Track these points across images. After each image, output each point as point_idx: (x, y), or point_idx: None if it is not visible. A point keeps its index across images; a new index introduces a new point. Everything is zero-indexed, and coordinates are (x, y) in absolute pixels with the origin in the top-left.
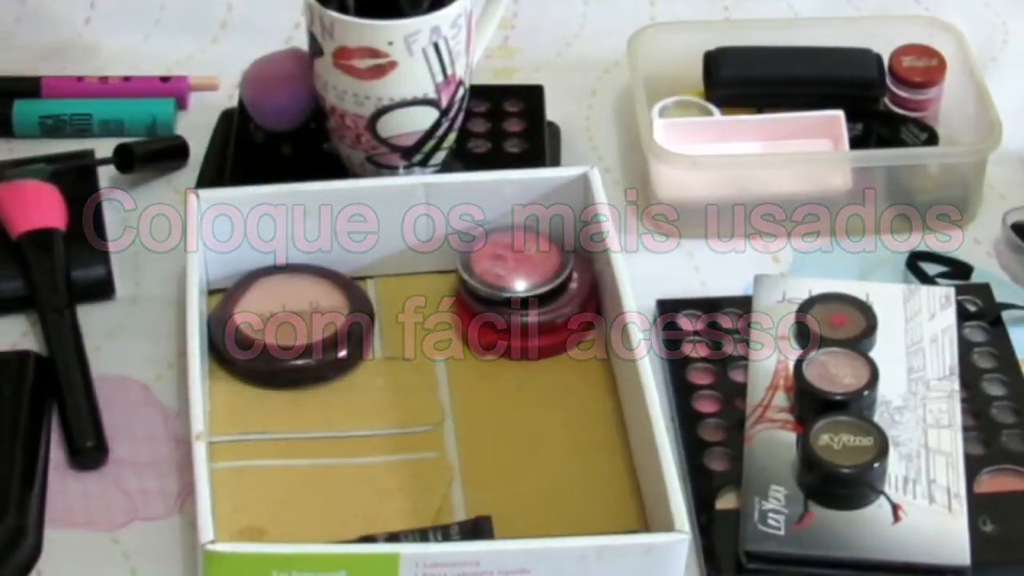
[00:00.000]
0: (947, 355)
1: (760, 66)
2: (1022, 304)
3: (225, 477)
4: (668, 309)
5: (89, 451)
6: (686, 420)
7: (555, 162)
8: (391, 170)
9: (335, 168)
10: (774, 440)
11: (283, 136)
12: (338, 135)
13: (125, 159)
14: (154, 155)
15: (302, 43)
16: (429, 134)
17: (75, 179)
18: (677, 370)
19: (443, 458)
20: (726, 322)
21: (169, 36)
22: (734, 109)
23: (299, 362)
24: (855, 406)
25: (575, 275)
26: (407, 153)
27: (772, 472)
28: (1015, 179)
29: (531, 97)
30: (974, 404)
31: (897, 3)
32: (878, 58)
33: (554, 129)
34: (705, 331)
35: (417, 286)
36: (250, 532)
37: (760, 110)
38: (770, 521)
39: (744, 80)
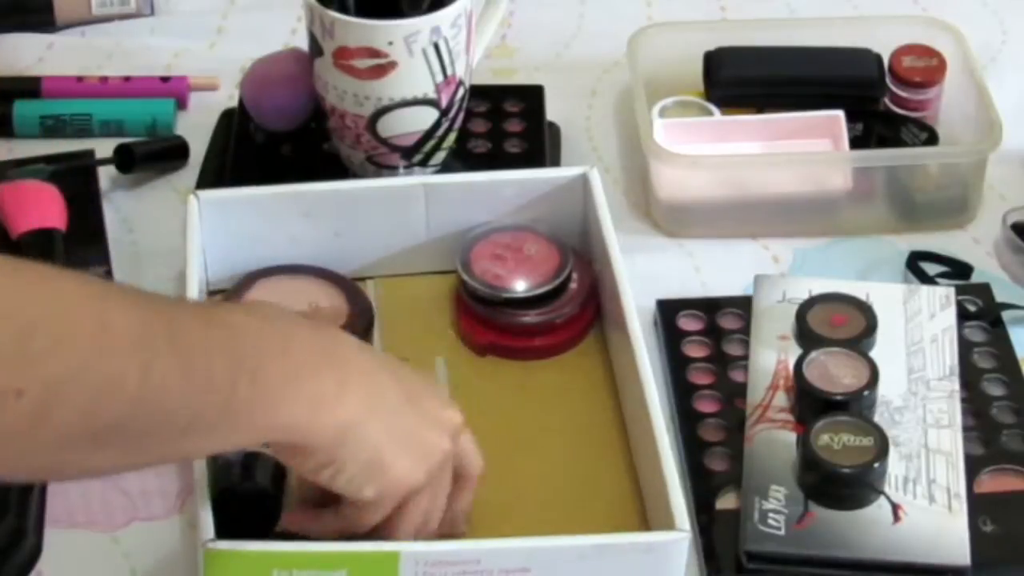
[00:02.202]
0: (947, 355)
1: (760, 66)
2: (1022, 304)
3: None
4: (668, 309)
5: None
6: (686, 420)
7: (555, 162)
8: (391, 170)
9: (335, 168)
10: (774, 440)
11: (283, 136)
12: (338, 135)
13: (125, 159)
14: (154, 155)
15: (302, 43)
16: (429, 134)
17: (75, 179)
18: (677, 370)
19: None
20: (726, 322)
21: (169, 36)
22: (734, 109)
23: None
24: (855, 406)
25: (575, 275)
26: (407, 153)
27: (772, 472)
28: (1015, 179)
29: (531, 97)
30: (974, 404)
31: (897, 3)
32: (878, 58)
33: (554, 129)
34: (705, 331)
35: (417, 286)
36: None
37: (760, 110)
38: (770, 521)
39: (744, 80)
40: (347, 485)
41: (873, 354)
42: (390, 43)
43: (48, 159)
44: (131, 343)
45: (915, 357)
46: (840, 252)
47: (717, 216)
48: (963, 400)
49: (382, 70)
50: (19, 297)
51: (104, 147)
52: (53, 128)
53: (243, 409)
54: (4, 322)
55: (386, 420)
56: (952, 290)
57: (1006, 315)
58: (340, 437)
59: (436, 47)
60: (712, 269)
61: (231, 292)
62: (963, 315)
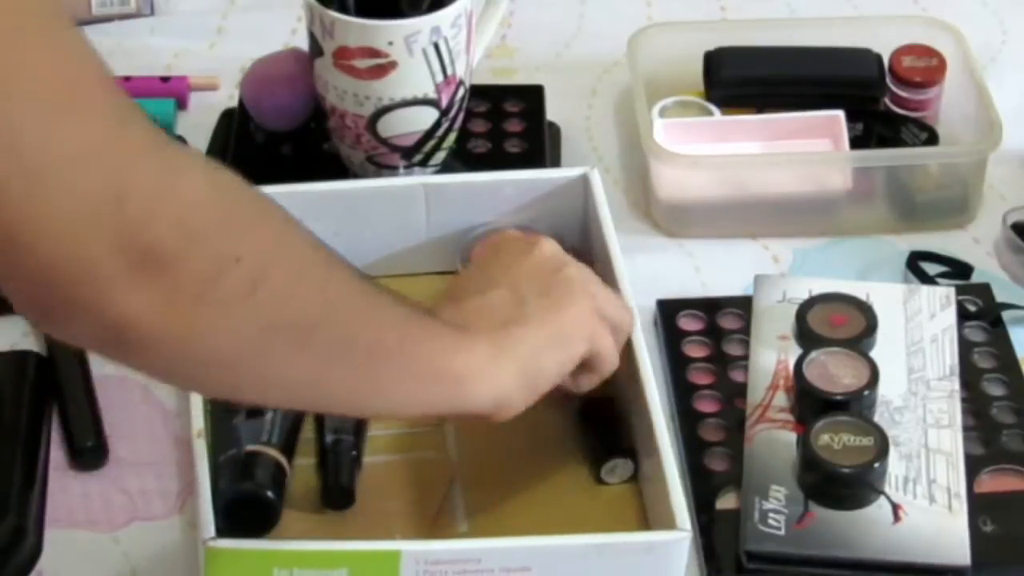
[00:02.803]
0: (947, 355)
1: (760, 66)
2: (1022, 304)
3: None
4: (668, 309)
5: (89, 451)
6: (686, 420)
7: (555, 162)
8: (391, 170)
9: (335, 168)
10: (774, 440)
11: (283, 136)
12: (338, 135)
13: None
14: None
15: (302, 43)
16: (429, 134)
17: None
18: (677, 370)
19: (443, 458)
20: (726, 322)
21: (169, 36)
22: (734, 109)
23: None
24: (855, 406)
25: None
26: (407, 153)
27: (772, 472)
28: (1015, 179)
29: (531, 97)
30: (974, 404)
31: (897, 3)
32: (878, 58)
33: (554, 129)
34: (705, 331)
35: (417, 286)
36: None
37: (760, 110)
38: (770, 521)
39: (744, 80)
40: (562, 379)
41: (873, 354)
42: (390, 43)
43: None
44: (312, 245)
45: (915, 357)
46: (840, 252)
47: (717, 216)
48: (963, 400)
49: (382, 70)
50: (215, 182)
51: None
52: None
53: (419, 349)
54: (210, 204)
55: (535, 327)
56: (952, 290)
57: (1006, 315)
58: (517, 378)
59: (436, 47)
60: (712, 269)
61: None
62: (963, 315)
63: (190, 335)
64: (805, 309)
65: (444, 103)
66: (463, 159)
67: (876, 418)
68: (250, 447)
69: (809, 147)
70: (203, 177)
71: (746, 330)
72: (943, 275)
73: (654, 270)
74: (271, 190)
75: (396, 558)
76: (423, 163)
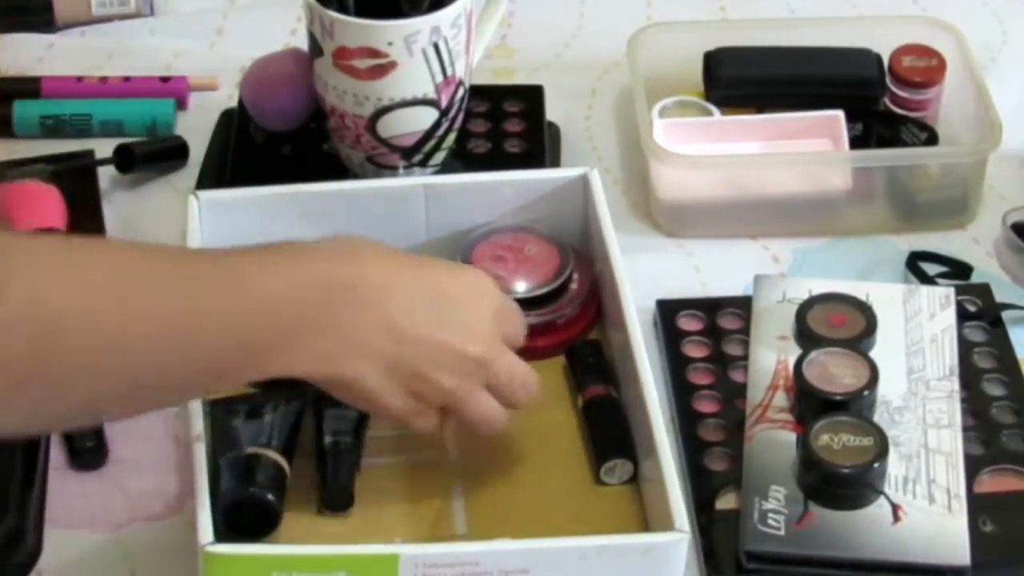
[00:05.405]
0: (947, 355)
1: (760, 66)
2: (1022, 304)
3: None
4: (668, 309)
5: (89, 451)
6: (686, 420)
7: (555, 162)
8: (391, 170)
9: (335, 168)
10: (774, 440)
11: (283, 136)
12: (338, 135)
13: (125, 159)
14: (154, 155)
15: (302, 43)
16: (429, 134)
17: (75, 179)
18: (677, 370)
19: (442, 460)
20: (726, 322)
21: (169, 36)
22: (734, 109)
23: None
24: (855, 406)
25: (575, 276)
26: (407, 153)
27: (772, 472)
28: (1015, 179)
29: (531, 97)
30: (974, 404)
31: (897, 3)
32: (878, 58)
33: (554, 129)
34: (705, 331)
35: None
36: None
37: (760, 110)
38: (770, 521)
39: (744, 80)
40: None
41: (873, 354)
42: (390, 43)
43: (48, 159)
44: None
45: (915, 357)
46: (840, 252)
47: (717, 216)
48: (963, 400)
49: (382, 70)
50: None
51: (104, 147)
52: (53, 128)
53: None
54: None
55: None
56: (952, 290)
57: (1006, 315)
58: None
59: (436, 47)
60: (712, 269)
61: None
62: (963, 315)
63: None
64: (805, 309)
65: (444, 103)
66: (463, 159)
67: (876, 418)
68: (250, 449)
69: (809, 147)
70: None
71: (746, 330)
72: (943, 275)
73: (654, 270)
74: (271, 191)
75: (395, 561)
76: (423, 163)
